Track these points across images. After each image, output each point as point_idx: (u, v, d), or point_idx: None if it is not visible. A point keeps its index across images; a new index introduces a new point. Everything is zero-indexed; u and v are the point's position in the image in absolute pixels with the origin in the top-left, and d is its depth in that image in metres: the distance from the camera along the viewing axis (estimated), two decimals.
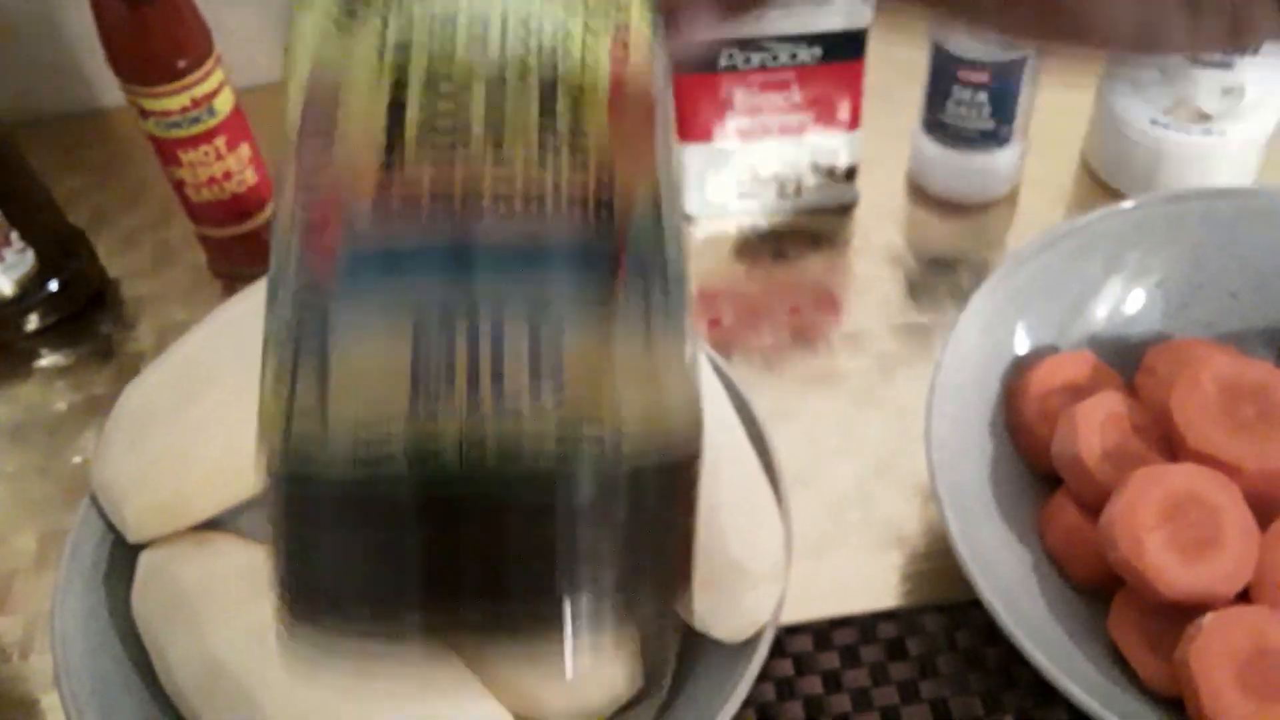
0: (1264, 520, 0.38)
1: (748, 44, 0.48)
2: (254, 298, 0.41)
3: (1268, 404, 0.40)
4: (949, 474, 0.39)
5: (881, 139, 0.57)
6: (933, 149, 0.54)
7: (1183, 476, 0.38)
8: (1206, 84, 0.48)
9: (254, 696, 0.35)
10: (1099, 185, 0.55)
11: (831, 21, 0.48)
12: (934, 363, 0.41)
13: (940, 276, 0.54)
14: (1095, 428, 0.40)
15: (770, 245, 0.56)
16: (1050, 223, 0.55)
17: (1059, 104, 0.57)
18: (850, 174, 0.55)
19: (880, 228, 0.56)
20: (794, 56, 0.49)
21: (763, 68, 0.49)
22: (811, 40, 0.48)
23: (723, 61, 0.49)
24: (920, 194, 0.57)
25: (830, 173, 0.54)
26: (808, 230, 0.56)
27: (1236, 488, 0.38)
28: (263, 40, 0.64)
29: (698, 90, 0.50)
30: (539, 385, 0.19)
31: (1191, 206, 0.44)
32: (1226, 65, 0.47)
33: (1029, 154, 0.55)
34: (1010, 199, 0.56)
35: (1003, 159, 0.54)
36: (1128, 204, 0.44)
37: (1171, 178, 0.52)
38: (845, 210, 0.56)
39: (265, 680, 0.35)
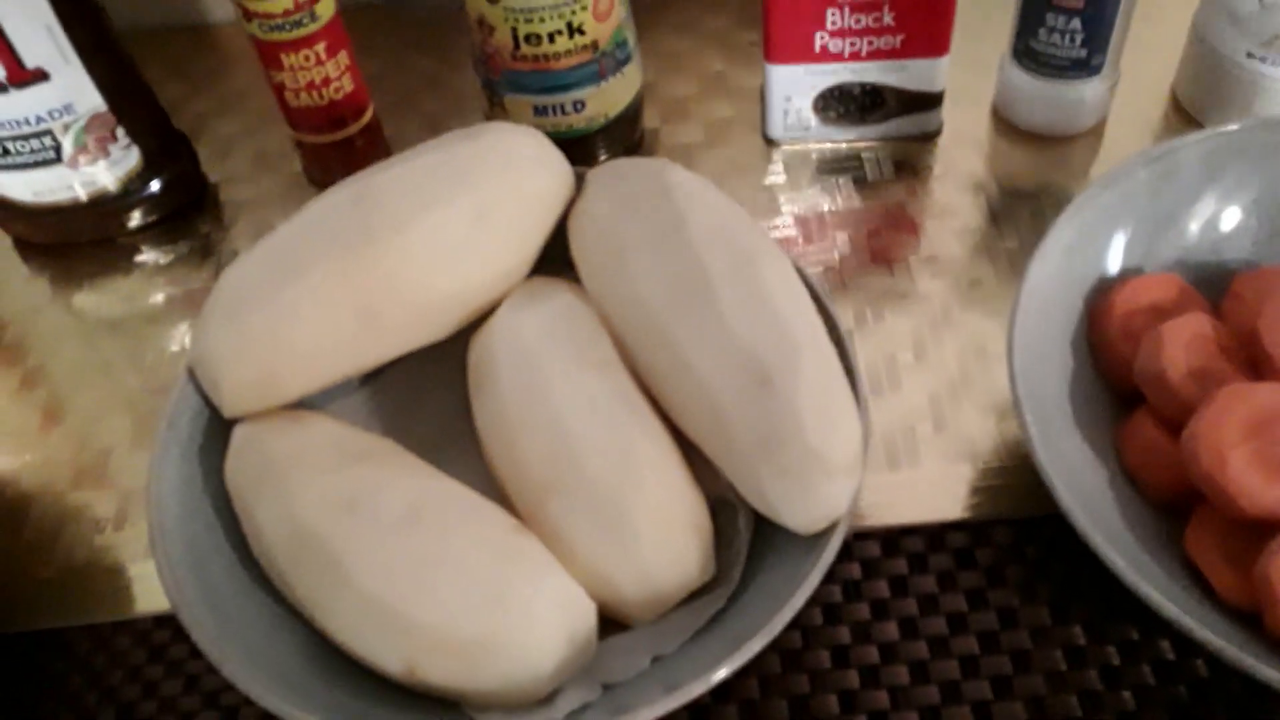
0: None
1: None
2: (348, 189, 0.42)
3: None
4: (1030, 388, 0.39)
5: (969, 69, 0.57)
6: (1021, 78, 0.54)
7: (1269, 395, 0.38)
8: None
9: (339, 559, 0.36)
10: (1189, 120, 0.55)
11: None
12: (1015, 285, 0.41)
13: (1023, 206, 0.53)
14: (1181, 347, 0.40)
15: (854, 169, 0.56)
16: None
17: (1151, 36, 0.56)
18: (937, 100, 0.54)
19: (964, 156, 0.56)
20: None
21: None
22: None
23: None
24: (1005, 125, 0.56)
25: (917, 98, 0.54)
26: (891, 156, 0.56)
27: None
28: None
29: (790, 8, 0.50)
30: None
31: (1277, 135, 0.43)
32: None
33: (1119, 86, 0.55)
34: (1096, 131, 0.55)
35: (1092, 90, 0.53)
36: (1223, 128, 0.43)
37: (1266, 113, 0.51)
38: (930, 138, 0.56)
39: (349, 544, 0.36)
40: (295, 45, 0.51)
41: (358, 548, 0.36)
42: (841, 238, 0.53)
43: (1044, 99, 0.54)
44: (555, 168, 0.44)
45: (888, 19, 0.50)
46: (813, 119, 0.55)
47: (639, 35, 0.57)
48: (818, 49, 0.52)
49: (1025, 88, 0.54)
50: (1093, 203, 0.43)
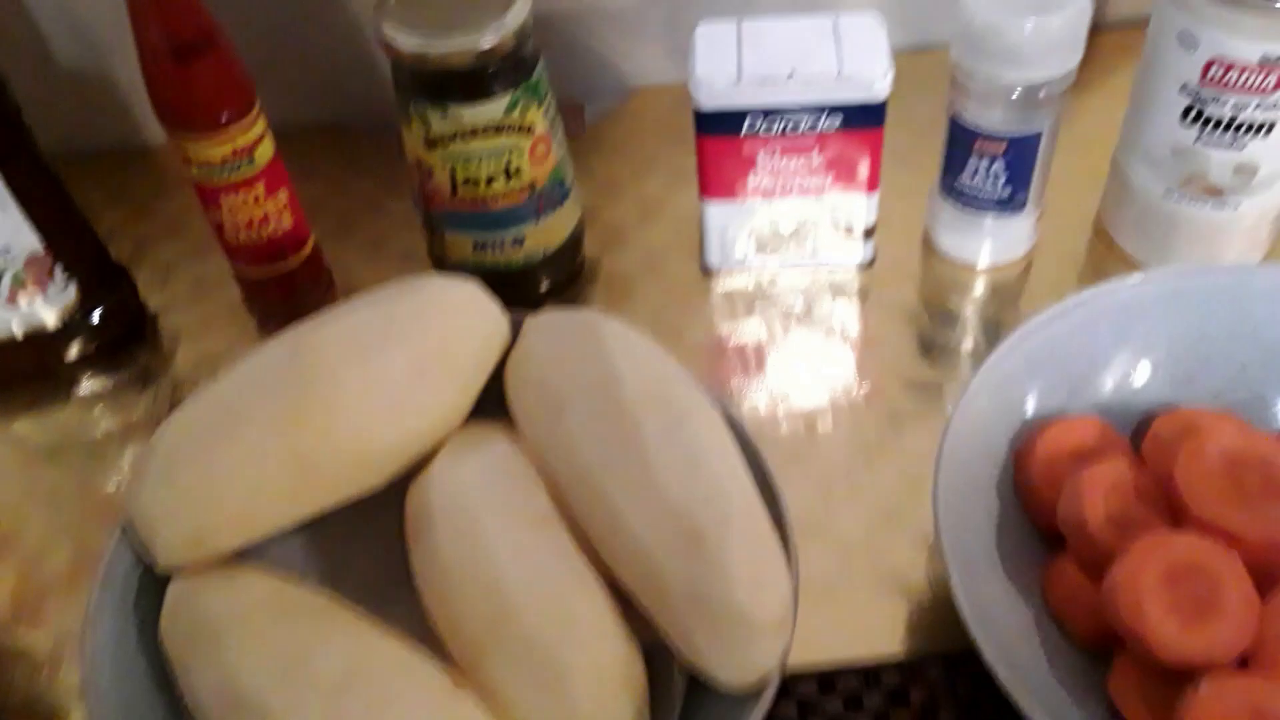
0: (1264, 589, 0.39)
1: (771, 112, 0.50)
2: (284, 343, 0.43)
3: (1271, 475, 0.41)
4: (954, 531, 0.40)
5: (901, 196, 0.59)
6: (949, 213, 0.55)
7: (1185, 545, 0.39)
8: (1218, 161, 0.49)
9: None
10: (1113, 249, 0.57)
11: (852, 94, 0.49)
12: (944, 420, 0.42)
13: (953, 335, 0.55)
14: (1100, 494, 0.41)
15: (789, 298, 0.57)
16: (1064, 286, 0.56)
17: (1075, 171, 0.58)
18: (868, 233, 0.56)
19: (897, 285, 0.57)
20: (815, 124, 0.50)
21: (785, 134, 0.51)
22: (832, 110, 0.50)
23: (746, 127, 0.51)
24: (936, 254, 0.58)
25: (848, 231, 0.56)
26: (825, 285, 0.57)
27: (1238, 557, 0.39)
28: (301, 82, 0.67)
29: (721, 152, 0.52)
30: None
31: (1198, 281, 0.45)
32: (1238, 146, 0.48)
33: (1044, 219, 0.56)
34: (1025, 262, 0.57)
35: (1018, 225, 0.55)
36: (1136, 278, 0.45)
37: (1185, 247, 0.53)
38: (862, 267, 0.58)
39: (286, 712, 0.36)
40: (234, 188, 0.52)
41: (294, 715, 0.36)
42: (777, 366, 0.54)
43: (971, 233, 0.55)
44: (492, 319, 0.45)
45: (817, 161, 0.52)
46: (749, 250, 0.57)
47: (580, 160, 0.58)
48: (750, 188, 0.53)
49: (953, 221, 0.56)
50: (1015, 351, 0.44)
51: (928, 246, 0.58)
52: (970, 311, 0.56)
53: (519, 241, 0.54)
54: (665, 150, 0.65)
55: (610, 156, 0.65)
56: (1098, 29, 0.67)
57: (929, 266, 0.58)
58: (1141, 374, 0.46)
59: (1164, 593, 0.38)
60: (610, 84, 0.69)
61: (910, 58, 0.65)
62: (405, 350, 0.42)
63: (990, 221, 0.54)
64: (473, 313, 0.44)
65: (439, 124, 0.50)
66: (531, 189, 0.53)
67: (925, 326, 0.55)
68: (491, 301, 0.45)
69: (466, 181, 0.51)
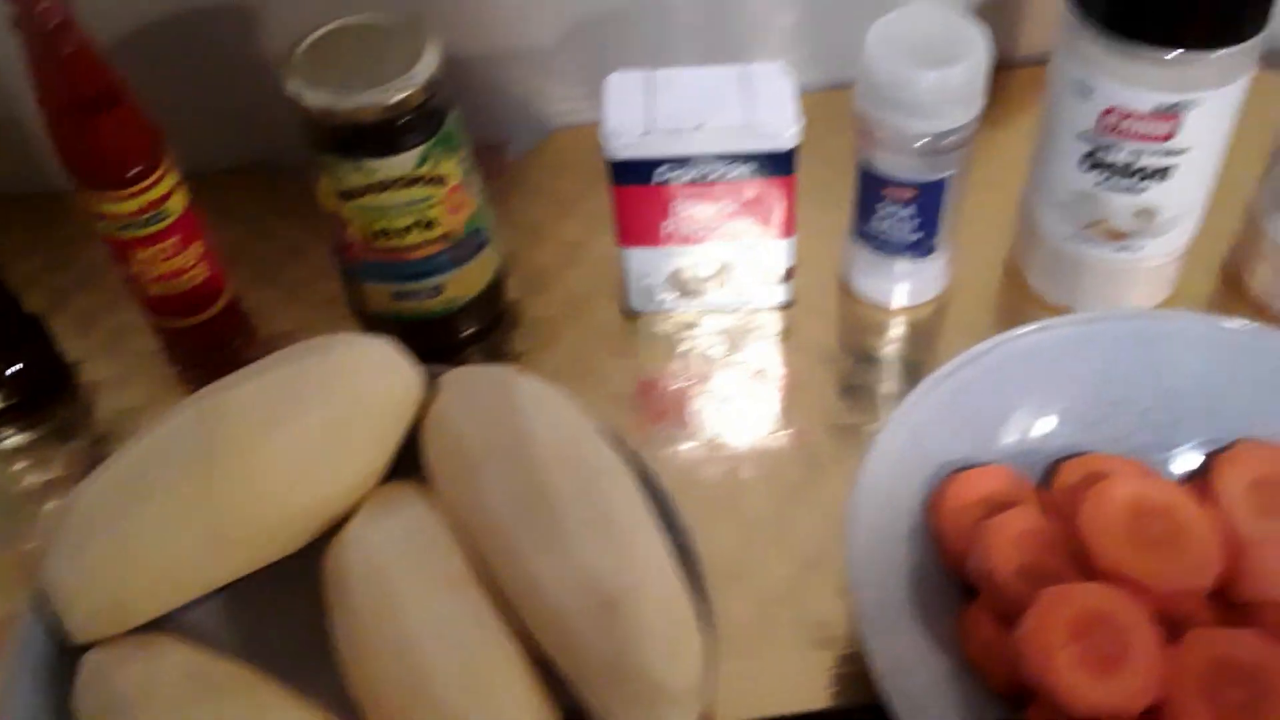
0: (1171, 637, 0.40)
1: (682, 161, 0.50)
2: (194, 407, 0.42)
3: (1174, 523, 0.42)
4: (868, 585, 0.41)
5: (820, 235, 0.59)
6: (862, 256, 0.56)
7: (1091, 596, 0.40)
8: (1119, 206, 0.50)
9: None
10: (1024, 289, 0.58)
11: (762, 143, 0.50)
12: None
13: (872, 377, 0.56)
14: (1008, 544, 0.42)
15: (710, 340, 0.58)
16: (980, 325, 0.57)
17: (989, 209, 0.59)
18: (786, 276, 0.57)
19: (815, 327, 0.58)
20: (727, 173, 0.51)
21: (697, 182, 0.51)
22: (743, 159, 0.50)
23: (658, 176, 0.51)
24: (853, 295, 0.59)
25: (766, 275, 0.56)
26: (746, 327, 0.58)
27: (1143, 606, 0.40)
28: (218, 125, 0.66)
29: (636, 200, 0.52)
30: None
31: (1100, 328, 0.46)
32: (1137, 191, 0.49)
33: (958, 260, 0.57)
34: (940, 302, 0.58)
35: (930, 266, 0.56)
36: (1039, 325, 0.46)
37: (1092, 288, 0.54)
38: (782, 308, 0.58)
39: None
40: (146, 242, 0.51)
41: None
42: (699, 410, 0.55)
43: (885, 275, 0.56)
44: (406, 377, 0.45)
45: (729, 208, 0.52)
46: (668, 294, 0.57)
47: (501, 202, 0.58)
48: (667, 234, 0.54)
49: (867, 264, 0.56)
50: (924, 401, 0.45)
51: (845, 287, 0.59)
52: (889, 352, 0.57)
53: (438, 290, 0.54)
54: (587, 191, 0.65)
55: (532, 198, 0.65)
56: (1009, 65, 0.68)
57: (847, 307, 0.59)
58: (1048, 420, 0.47)
59: (1072, 644, 0.39)
60: (532, 124, 0.69)
61: (828, 96, 0.66)
62: (317, 412, 0.42)
63: (903, 264, 0.55)
64: (386, 371, 0.44)
65: (350, 177, 0.49)
66: (448, 238, 0.53)
67: (845, 368, 0.56)
68: (405, 359, 0.45)
69: (381, 233, 0.51)
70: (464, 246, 0.54)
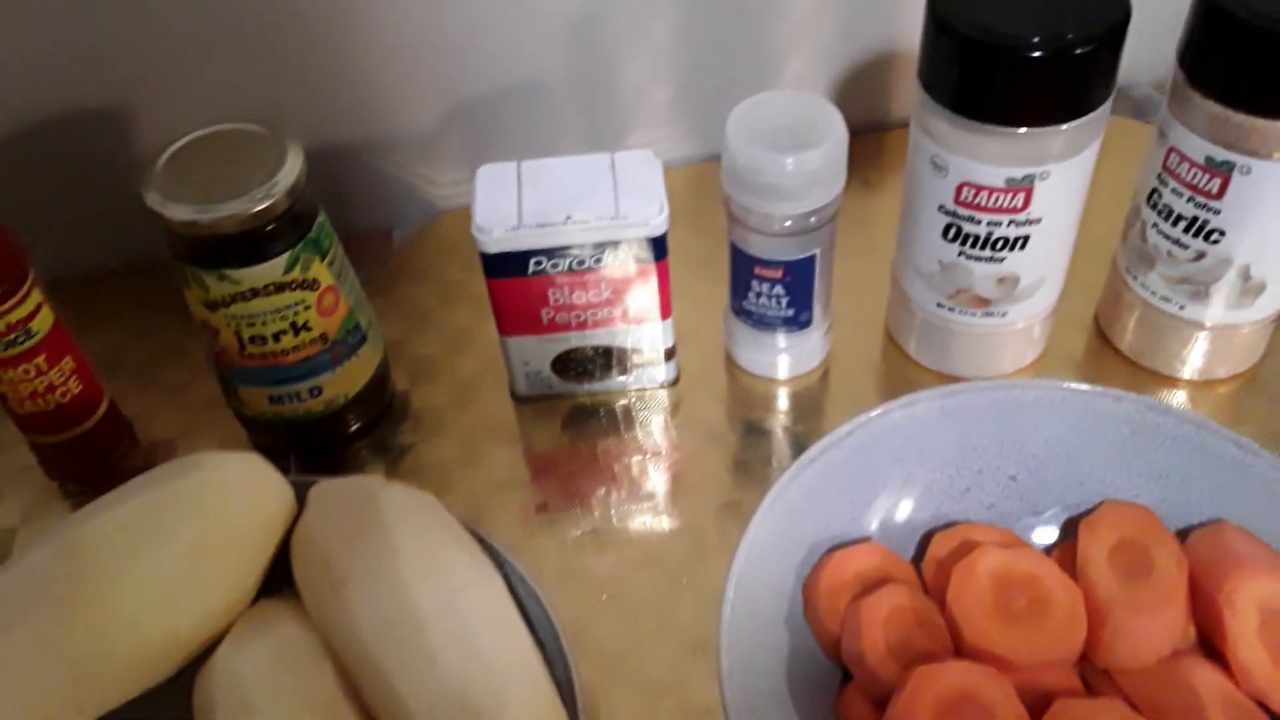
0: (1037, 711, 0.41)
1: (555, 251, 0.51)
2: (54, 541, 0.41)
3: (1039, 593, 0.43)
4: (742, 674, 0.41)
5: (704, 309, 0.60)
6: (742, 331, 0.57)
7: (956, 675, 0.40)
8: (981, 274, 0.51)
9: None
10: (903, 355, 0.58)
11: (631, 231, 0.50)
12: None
13: (760, 450, 0.56)
14: (878, 624, 0.42)
15: (598, 421, 0.58)
16: (863, 392, 0.58)
17: (866, 275, 0.60)
18: (668, 355, 0.57)
19: (702, 403, 0.58)
20: (600, 260, 0.51)
21: (571, 270, 0.51)
22: (614, 246, 0.51)
23: (532, 267, 0.51)
24: (738, 369, 0.59)
25: (649, 355, 0.57)
26: (629, 408, 0.58)
27: (1008, 682, 0.40)
28: (88, 230, 0.65)
29: (513, 291, 0.52)
30: None
31: (960, 401, 0.47)
32: (997, 260, 0.50)
33: (840, 326, 0.58)
34: (824, 369, 0.59)
35: (809, 339, 0.56)
36: (901, 401, 0.46)
37: (962, 354, 0.55)
38: (666, 386, 0.59)
39: None
40: (13, 362, 0.51)
41: None
42: (586, 494, 0.55)
43: (766, 348, 0.57)
44: (273, 493, 0.44)
45: (606, 294, 0.53)
46: (553, 378, 0.57)
47: (387, 290, 0.58)
48: (545, 322, 0.54)
49: (746, 339, 0.57)
50: (793, 483, 0.45)
51: (730, 361, 0.60)
52: (776, 424, 0.57)
53: (317, 391, 0.54)
54: (474, 276, 0.64)
55: (419, 284, 0.65)
56: (884, 127, 0.69)
57: (733, 379, 0.59)
58: (917, 493, 0.47)
59: None
60: (417, 209, 0.69)
61: (708, 167, 0.67)
62: (181, 536, 0.42)
63: (781, 338, 0.56)
64: (253, 489, 0.44)
65: (217, 287, 0.49)
66: (324, 339, 0.52)
67: (733, 444, 0.56)
68: (273, 474, 0.45)
69: (253, 340, 0.51)
70: (342, 346, 0.53)
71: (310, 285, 0.51)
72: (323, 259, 0.51)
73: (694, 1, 0.64)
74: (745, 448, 0.56)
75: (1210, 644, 0.42)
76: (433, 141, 0.67)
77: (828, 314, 0.57)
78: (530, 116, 0.67)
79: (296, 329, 0.51)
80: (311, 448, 0.57)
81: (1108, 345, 0.58)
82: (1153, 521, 0.44)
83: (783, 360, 0.57)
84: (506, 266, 0.52)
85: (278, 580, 0.44)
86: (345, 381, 0.55)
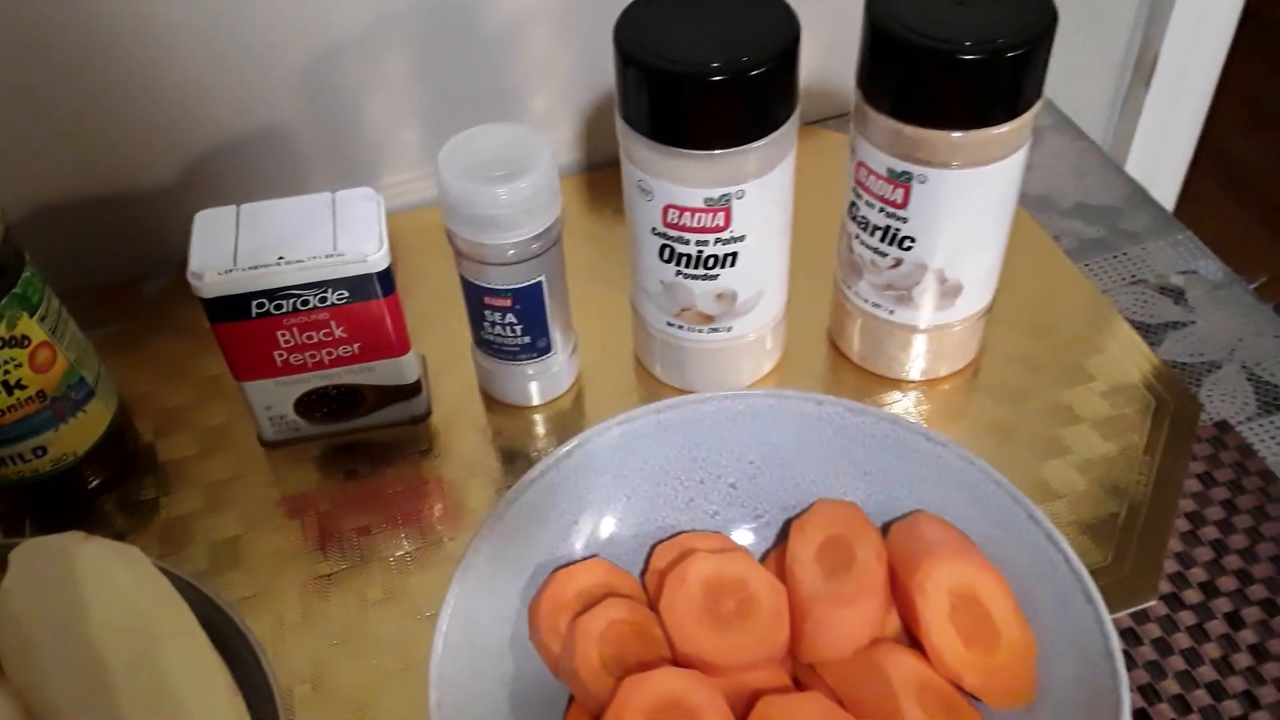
0: (747, 711, 0.42)
1: (275, 292, 0.50)
2: None
3: (746, 595, 0.44)
4: (453, 708, 0.41)
5: (450, 343, 0.60)
6: (489, 362, 0.57)
7: (663, 682, 0.41)
8: (700, 292, 0.53)
9: None
10: (649, 376, 0.60)
11: (349, 270, 0.50)
12: None
13: (520, 476, 0.56)
14: (593, 639, 0.43)
15: (351, 461, 0.57)
16: (620, 410, 0.59)
17: (613, 309, 0.61)
18: (415, 389, 0.57)
19: (459, 434, 0.58)
20: (324, 300, 0.51)
21: (297, 310, 0.51)
22: (336, 285, 0.51)
23: (255, 310, 0.51)
24: (492, 398, 0.60)
25: (394, 391, 0.57)
26: (381, 444, 0.58)
27: (715, 687, 0.42)
28: None
29: (238, 336, 0.52)
30: None
31: (678, 414, 0.48)
32: (712, 278, 0.52)
33: (588, 348, 0.59)
34: (575, 394, 0.60)
35: (554, 364, 0.57)
36: (621, 417, 0.48)
37: (699, 371, 0.57)
38: (420, 420, 0.59)
39: None
40: None
41: None
42: (337, 534, 0.54)
43: (512, 378, 0.57)
44: None
45: (339, 332, 0.53)
46: (299, 421, 0.57)
47: (136, 344, 0.57)
48: (280, 364, 0.54)
49: (493, 369, 0.57)
50: (509, 509, 0.46)
51: (485, 390, 0.60)
52: (535, 450, 0.58)
53: (41, 450, 0.52)
54: None
55: (170, 335, 0.64)
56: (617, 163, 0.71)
57: (491, 409, 0.60)
58: (645, 505, 0.48)
59: None
60: (170, 258, 0.68)
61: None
62: None
63: (528, 366, 0.57)
64: None
65: None
66: (43, 397, 0.51)
67: (494, 472, 0.57)
68: None
69: None
70: (64, 402, 0.52)
71: (20, 342, 0.49)
72: (31, 314, 0.50)
73: (425, 42, 0.65)
74: (506, 474, 0.57)
75: (910, 631, 0.44)
76: (175, 193, 0.66)
77: (569, 338, 0.58)
78: (279, 163, 0.67)
79: (9, 388, 0.50)
80: (49, 507, 0.55)
81: (841, 354, 0.60)
82: (858, 517, 0.46)
83: (533, 387, 0.58)
84: (228, 310, 0.51)
85: None
86: (73, 439, 0.53)
